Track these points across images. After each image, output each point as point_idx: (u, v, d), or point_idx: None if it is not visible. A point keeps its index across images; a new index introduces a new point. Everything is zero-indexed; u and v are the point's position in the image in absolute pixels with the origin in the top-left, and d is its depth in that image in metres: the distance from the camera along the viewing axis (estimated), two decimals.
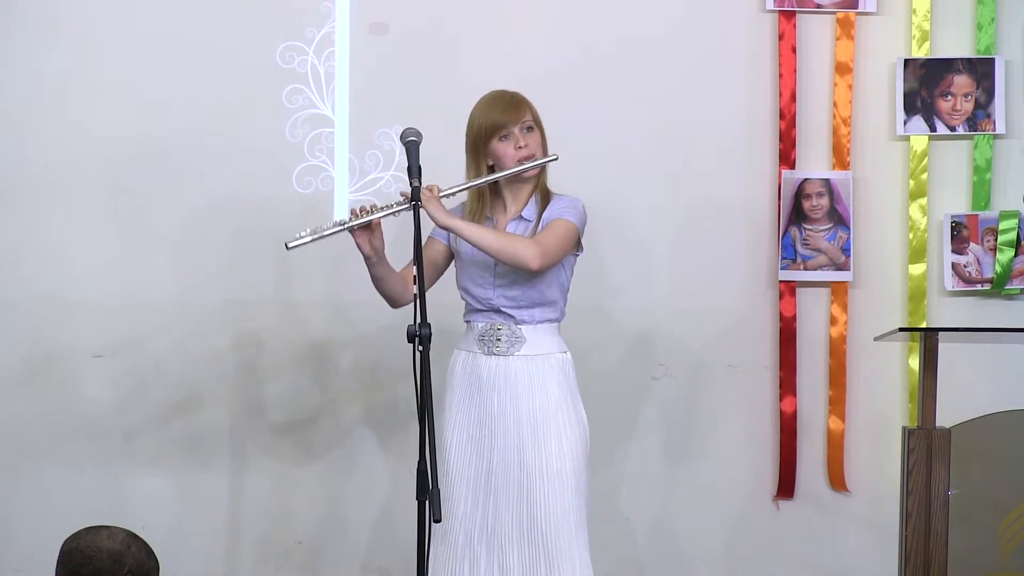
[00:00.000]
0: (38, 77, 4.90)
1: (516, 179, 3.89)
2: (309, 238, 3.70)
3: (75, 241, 4.91)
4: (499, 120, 3.84)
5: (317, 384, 4.94)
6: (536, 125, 3.89)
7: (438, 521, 3.24)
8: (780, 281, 4.94)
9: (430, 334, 3.36)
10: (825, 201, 4.93)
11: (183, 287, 4.91)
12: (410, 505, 3.36)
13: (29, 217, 4.90)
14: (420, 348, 3.36)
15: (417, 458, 3.30)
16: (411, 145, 3.71)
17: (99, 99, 4.91)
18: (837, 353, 4.94)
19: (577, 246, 3.90)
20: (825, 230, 4.93)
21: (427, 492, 3.25)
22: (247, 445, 4.93)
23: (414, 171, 3.67)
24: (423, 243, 3.84)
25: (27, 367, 4.90)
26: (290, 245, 3.71)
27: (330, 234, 3.73)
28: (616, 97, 4.94)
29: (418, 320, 3.38)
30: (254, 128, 4.91)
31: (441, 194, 3.76)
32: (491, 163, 3.88)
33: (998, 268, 4.88)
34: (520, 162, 3.84)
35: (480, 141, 3.86)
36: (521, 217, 3.89)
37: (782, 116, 4.94)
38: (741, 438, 4.97)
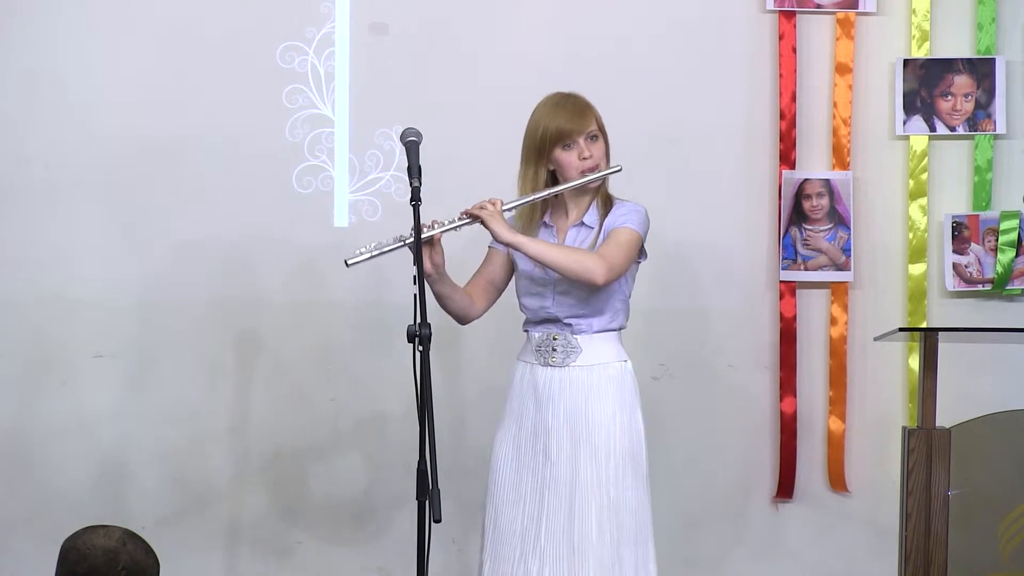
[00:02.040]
0: (38, 77, 4.90)
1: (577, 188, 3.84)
2: (368, 254, 3.64)
3: (75, 241, 4.91)
4: (564, 128, 3.75)
5: (318, 383, 4.94)
6: (600, 133, 3.81)
7: (438, 521, 3.22)
8: (780, 281, 4.94)
9: (430, 334, 3.36)
10: (825, 201, 4.93)
11: (183, 287, 4.91)
12: (410, 505, 3.35)
13: (29, 217, 4.90)
14: (420, 348, 3.35)
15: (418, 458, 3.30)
16: (411, 145, 3.68)
17: (99, 99, 4.91)
18: (837, 353, 4.94)
19: (641, 253, 3.84)
20: (825, 230, 4.93)
21: (427, 492, 3.24)
22: (247, 444, 4.93)
23: (414, 171, 3.65)
24: (484, 258, 3.88)
25: (27, 367, 4.90)
26: (350, 262, 3.66)
27: (390, 250, 3.66)
28: (616, 97, 4.91)
29: (418, 320, 3.38)
30: (254, 128, 4.91)
31: (504, 207, 3.71)
32: (551, 168, 3.80)
33: (999, 268, 4.88)
34: (583, 173, 3.76)
35: (544, 147, 3.77)
36: (583, 223, 3.82)
37: (782, 116, 4.94)
38: (741, 438, 4.97)
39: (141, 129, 4.90)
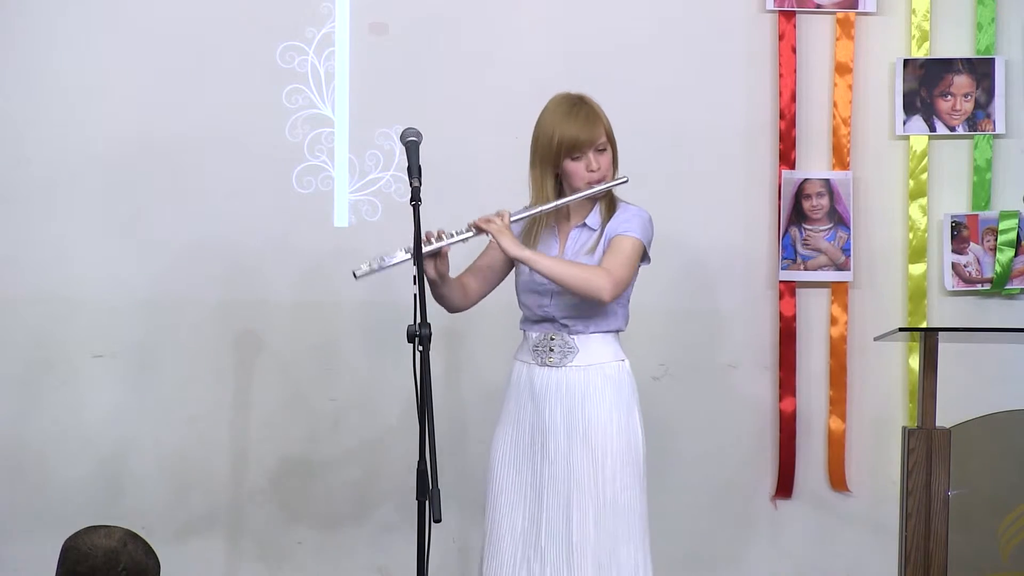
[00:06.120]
0: (38, 77, 4.90)
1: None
2: (378, 266, 3.65)
3: (75, 241, 4.91)
4: (576, 139, 3.73)
5: (317, 383, 4.94)
6: (609, 142, 3.79)
7: (438, 521, 3.22)
8: (780, 281, 4.95)
9: (430, 334, 3.36)
10: (825, 201, 4.93)
11: (183, 287, 4.91)
12: (410, 505, 3.35)
13: (29, 217, 4.90)
14: (420, 348, 3.36)
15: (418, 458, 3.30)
16: (411, 145, 3.68)
17: (99, 99, 4.91)
18: (837, 353, 4.94)
19: (643, 258, 3.84)
20: (825, 230, 4.94)
21: (427, 492, 3.24)
22: (247, 445, 4.93)
23: (414, 171, 3.65)
24: (484, 250, 3.86)
25: (27, 367, 4.90)
26: (358, 275, 3.66)
27: (398, 263, 3.66)
28: (616, 98, 4.88)
29: (418, 320, 3.38)
30: (254, 128, 4.91)
31: (513, 218, 3.72)
32: (557, 173, 3.79)
33: (998, 268, 4.89)
34: (590, 184, 3.75)
35: (551, 155, 3.76)
36: (585, 225, 3.81)
37: (782, 116, 4.94)
38: (741, 438, 4.97)
39: (141, 129, 4.90)
